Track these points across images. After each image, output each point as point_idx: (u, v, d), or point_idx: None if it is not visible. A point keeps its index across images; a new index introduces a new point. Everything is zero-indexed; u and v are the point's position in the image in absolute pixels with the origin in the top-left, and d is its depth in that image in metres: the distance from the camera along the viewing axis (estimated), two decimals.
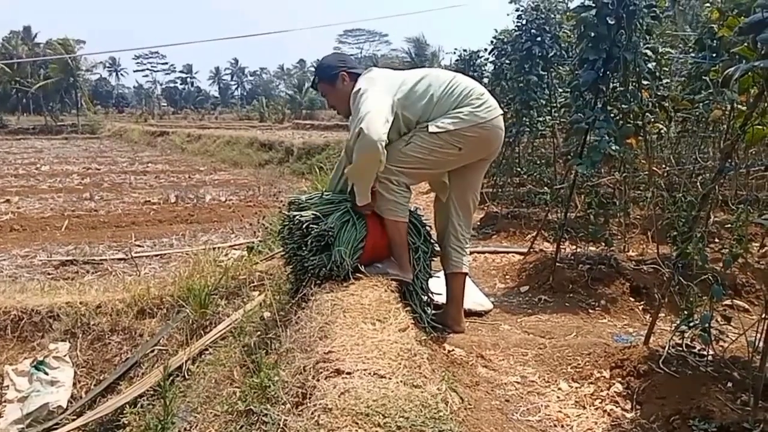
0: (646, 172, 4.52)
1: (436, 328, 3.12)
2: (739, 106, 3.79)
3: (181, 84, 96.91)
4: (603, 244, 4.35)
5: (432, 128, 2.85)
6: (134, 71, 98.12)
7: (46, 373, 3.99)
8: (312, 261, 2.85)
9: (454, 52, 9.29)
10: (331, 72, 3.04)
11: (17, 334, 4.29)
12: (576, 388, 2.61)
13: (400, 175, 2.87)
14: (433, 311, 3.22)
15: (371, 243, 2.89)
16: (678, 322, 2.49)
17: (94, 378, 4.17)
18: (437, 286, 3.32)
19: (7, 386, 3.98)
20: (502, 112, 3.05)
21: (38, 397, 3.88)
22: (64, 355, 4.14)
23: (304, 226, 2.91)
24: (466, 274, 3.27)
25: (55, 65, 43.15)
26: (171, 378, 3.60)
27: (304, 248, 2.91)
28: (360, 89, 2.86)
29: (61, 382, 4.00)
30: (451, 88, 2.93)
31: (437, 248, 3.21)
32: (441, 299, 3.34)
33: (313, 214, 2.92)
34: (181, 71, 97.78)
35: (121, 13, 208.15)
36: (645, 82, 3.98)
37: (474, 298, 3.72)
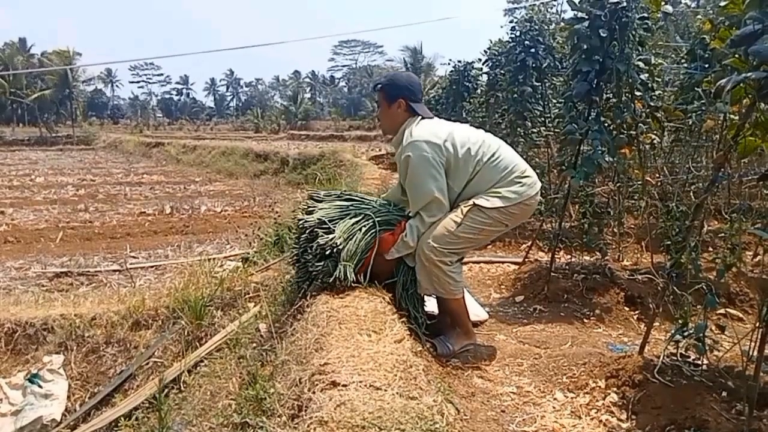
0: (640, 182, 4.55)
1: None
2: (732, 116, 3.83)
3: (176, 95, 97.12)
4: (597, 253, 4.37)
5: (482, 202, 2.88)
6: (130, 82, 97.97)
7: (40, 386, 3.96)
8: (317, 267, 2.82)
9: (449, 63, 9.36)
10: (394, 92, 3.08)
11: (11, 346, 4.27)
12: (572, 398, 2.61)
13: (452, 256, 2.94)
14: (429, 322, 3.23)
15: (373, 254, 2.90)
16: (672, 331, 2.50)
17: (88, 391, 4.15)
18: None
19: (1, 399, 3.94)
20: (540, 184, 3.08)
21: (32, 410, 3.85)
22: (59, 368, 4.11)
23: (307, 231, 2.89)
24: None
25: (53, 76, 43.19)
26: (166, 390, 3.59)
27: (308, 252, 2.88)
28: (411, 156, 2.88)
29: (55, 395, 3.97)
30: (495, 160, 2.96)
31: None
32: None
33: (318, 219, 2.89)
34: (177, 82, 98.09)
35: (117, 27, 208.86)
36: (638, 93, 4.01)
37: (470, 308, 3.72)
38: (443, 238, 2.87)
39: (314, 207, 3.05)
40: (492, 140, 3.08)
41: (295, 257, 3.09)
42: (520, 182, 2.95)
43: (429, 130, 2.98)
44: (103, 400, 3.98)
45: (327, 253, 2.79)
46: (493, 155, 2.97)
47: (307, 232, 2.89)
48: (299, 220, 3.00)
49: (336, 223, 2.89)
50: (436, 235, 2.88)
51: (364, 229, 2.90)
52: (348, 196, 3.17)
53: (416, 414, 1.72)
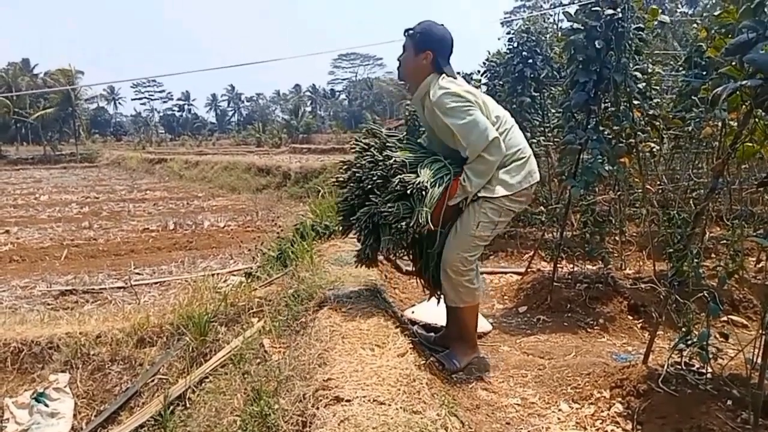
0: (641, 190, 4.56)
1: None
2: (731, 122, 3.85)
3: (178, 111, 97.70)
4: (600, 262, 4.37)
5: (487, 193, 2.80)
6: (132, 99, 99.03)
7: (47, 405, 3.96)
8: (389, 208, 2.62)
9: None
10: (423, 43, 2.91)
11: (17, 365, 4.28)
12: (576, 409, 2.61)
13: (475, 260, 2.90)
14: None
15: (441, 205, 2.75)
16: (676, 340, 2.50)
17: (94, 409, 4.15)
18: (433, 309, 3.32)
19: (7, 419, 3.95)
20: (538, 174, 2.98)
21: (38, 429, 3.85)
22: (65, 386, 4.12)
23: (391, 170, 2.68)
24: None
25: (56, 95, 43.57)
26: (171, 407, 3.59)
27: (378, 194, 2.69)
28: (448, 107, 2.74)
29: (61, 413, 3.97)
30: (508, 136, 2.86)
31: None
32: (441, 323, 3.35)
33: (403, 159, 2.71)
34: (179, 99, 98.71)
35: (119, 45, 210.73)
36: (635, 102, 4.03)
37: None
38: (467, 245, 2.82)
39: (391, 143, 2.86)
40: (509, 117, 3.00)
41: (350, 202, 2.85)
42: (522, 168, 2.86)
43: (458, 85, 2.86)
44: (109, 417, 3.98)
45: (408, 192, 2.62)
46: (506, 130, 2.89)
47: (392, 170, 2.68)
48: (384, 155, 2.74)
49: (414, 167, 2.74)
50: (460, 244, 2.82)
51: (446, 178, 2.75)
52: (409, 143, 2.97)
53: (420, 429, 1.72)
